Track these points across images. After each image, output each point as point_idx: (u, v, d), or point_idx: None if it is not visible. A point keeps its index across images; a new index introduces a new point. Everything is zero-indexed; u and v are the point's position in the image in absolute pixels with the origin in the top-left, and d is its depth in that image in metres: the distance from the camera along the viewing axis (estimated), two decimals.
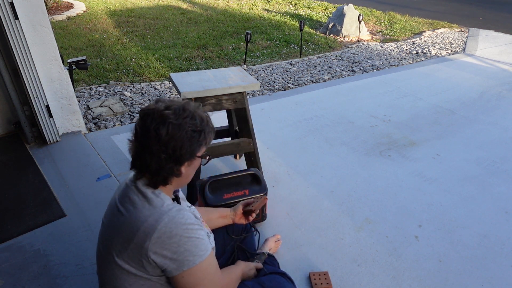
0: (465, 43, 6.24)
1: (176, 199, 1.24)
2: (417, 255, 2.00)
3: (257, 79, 4.58)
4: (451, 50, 5.84)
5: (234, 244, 1.61)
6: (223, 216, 1.60)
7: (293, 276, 1.84)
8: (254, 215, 1.60)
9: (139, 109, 3.69)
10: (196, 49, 5.73)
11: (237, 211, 1.61)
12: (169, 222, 1.05)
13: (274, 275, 1.44)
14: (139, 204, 1.08)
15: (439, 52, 5.73)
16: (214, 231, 1.60)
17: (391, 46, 6.12)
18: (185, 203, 1.34)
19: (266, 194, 2.09)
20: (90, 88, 4.15)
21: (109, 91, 4.11)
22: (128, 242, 1.05)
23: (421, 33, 7.00)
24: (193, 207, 1.40)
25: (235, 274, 1.34)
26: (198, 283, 1.09)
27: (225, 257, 1.58)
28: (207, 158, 1.19)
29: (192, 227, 1.08)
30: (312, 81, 4.55)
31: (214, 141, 2.80)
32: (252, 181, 2.13)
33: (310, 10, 8.85)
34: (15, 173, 2.59)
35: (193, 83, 2.13)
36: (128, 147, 1.14)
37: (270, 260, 1.62)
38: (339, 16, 6.81)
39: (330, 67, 5.06)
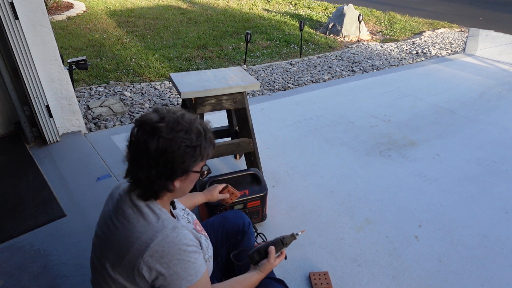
0: (465, 43, 6.24)
1: (172, 205, 1.23)
2: (417, 255, 2.00)
3: (257, 79, 4.58)
4: (451, 50, 5.84)
5: (228, 246, 1.55)
6: (195, 203, 1.68)
7: (293, 276, 1.84)
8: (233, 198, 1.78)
9: (139, 109, 3.69)
10: (196, 49, 5.73)
11: (214, 193, 1.72)
12: (162, 240, 1.00)
13: (270, 281, 1.37)
14: (133, 219, 1.04)
15: (439, 52, 5.73)
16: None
17: (391, 46, 6.12)
18: (180, 212, 1.30)
19: (266, 194, 2.10)
20: (90, 88, 4.15)
21: (109, 91, 4.11)
22: (122, 258, 1.02)
23: (421, 33, 7.01)
24: (187, 210, 1.37)
25: None
26: None
27: (218, 263, 1.53)
28: (205, 173, 1.15)
29: (185, 249, 1.03)
30: (312, 81, 4.55)
31: None
32: (252, 181, 2.13)
33: (310, 10, 8.85)
34: (15, 173, 2.59)
35: (193, 83, 2.13)
36: (125, 153, 1.09)
37: None
38: (339, 16, 6.81)
39: (330, 67, 5.06)
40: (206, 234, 1.33)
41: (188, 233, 1.06)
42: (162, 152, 1.00)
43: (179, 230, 1.04)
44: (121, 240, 1.03)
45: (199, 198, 1.69)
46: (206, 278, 1.10)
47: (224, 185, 1.77)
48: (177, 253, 1.01)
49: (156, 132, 1.01)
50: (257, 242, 1.78)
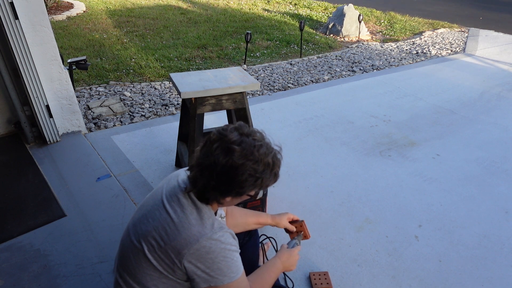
0: (465, 43, 6.24)
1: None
2: (417, 255, 2.00)
3: (257, 79, 4.58)
4: (451, 50, 5.83)
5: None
6: (260, 222, 1.57)
7: (293, 276, 1.84)
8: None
9: (139, 109, 3.69)
10: (196, 49, 5.73)
11: (282, 220, 1.57)
12: (210, 238, 1.07)
13: None
14: (187, 209, 1.11)
15: (439, 52, 5.73)
16: None
17: (391, 46, 6.12)
18: (220, 212, 1.35)
19: (266, 194, 2.09)
20: (90, 88, 4.15)
21: (109, 91, 4.11)
22: (166, 243, 1.07)
23: (421, 33, 7.00)
24: (223, 214, 1.39)
25: (269, 277, 1.30)
26: None
27: None
28: (257, 198, 1.19)
29: (229, 248, 1.11)
30: (312, 81, 4.55)
31: None
32: None
33: (310, 10, 8.85)
34: (15, 173, 2.59)
35: (193, 83, 2.13)
36: (198, 148, 1.14)
37: None
38: (339, 16, 6.82)
39: (330, 67, 5.06)
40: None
41: (230, 235, 1.14)
42: (226, 171, 1.05)
43: (225, 230, 1.12)
44: (171, 226, 1.09)
45: (266, 219, 1.59)
46: (244, 275, 1.17)
47: (298, 218, 1.62)
48: (222, 251, 1.09)
49: (229, 153, 1.05)
50: (262, 243, 1.78)
